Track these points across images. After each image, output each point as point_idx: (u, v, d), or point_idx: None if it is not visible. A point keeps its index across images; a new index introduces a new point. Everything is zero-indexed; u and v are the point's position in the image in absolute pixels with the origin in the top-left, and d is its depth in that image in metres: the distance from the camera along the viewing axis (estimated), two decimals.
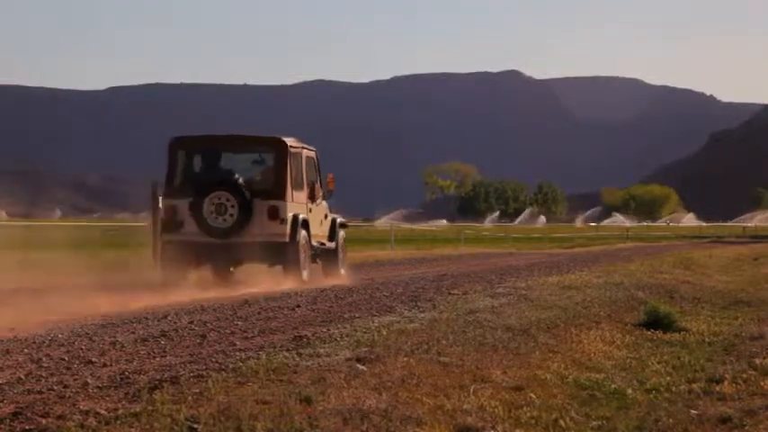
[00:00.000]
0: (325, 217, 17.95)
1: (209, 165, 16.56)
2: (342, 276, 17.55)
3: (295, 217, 16.10)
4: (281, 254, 15.89)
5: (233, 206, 15.71)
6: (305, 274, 16.15)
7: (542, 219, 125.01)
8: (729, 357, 9.66)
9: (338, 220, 18.53)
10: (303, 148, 17.10)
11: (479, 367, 7.75)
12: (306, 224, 16.48)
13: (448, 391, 6.85)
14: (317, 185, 17.47)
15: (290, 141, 16.63)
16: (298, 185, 16.53)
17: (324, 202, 17.96)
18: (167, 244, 16.06)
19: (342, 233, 18.60)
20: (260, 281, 15.53)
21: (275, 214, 15.87)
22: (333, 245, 17.93)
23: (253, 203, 15.81)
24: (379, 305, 11.46)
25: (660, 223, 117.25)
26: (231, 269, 16.71)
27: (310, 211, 16.96)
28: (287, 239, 15.88)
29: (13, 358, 7.58)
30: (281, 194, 15.97)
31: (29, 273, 16.45)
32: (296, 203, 16.32)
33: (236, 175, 16.11)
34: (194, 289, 14.70)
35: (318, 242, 17.20)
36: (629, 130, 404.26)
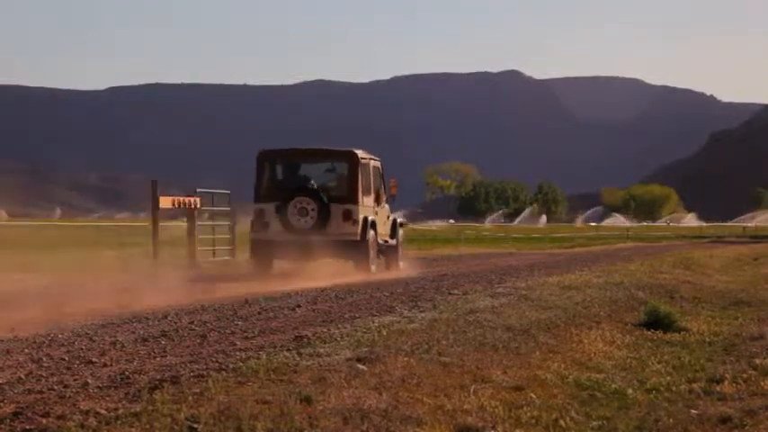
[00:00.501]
0: (388, 218, 20.62)
1: (290, 173, 19.33)
2: (401, 269, 20.09)
3: (365, 219, 18.82)
4: (354, 250, 18.46)
5: (313, 209, 18.34)
6: (373, 267, 18.84)
7: (543, 218, 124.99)
8: (730, 357, 9.66)
9: (398, 220, 21.40)
10: (371, 158, 19.83)
11: (480, 367, 7.75)
12: (373, 225, 19.17)
13: (448, 391, 6.85)
14: (382, 191, 20.17)
15: (360, 153, 19.29)
16: (366, 191, 19.18)
17: (386, 205, 20.58)
18: (256, 240, 18.75)
19: (401, 232, 21.34)
20: (332, 273, 17.36)
21: (349, 216, 18.58)
22: (394, 242, 20.67)
23: (330, 207, 18.45)
24: (380, 305, 11.47)
25: (660, 223, 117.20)
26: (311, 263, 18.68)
27: (376, 213, 19.63)
28: (358, 238, 18.56)
29: (13, 358, 7.58)
30: (353, 199, 18.70)
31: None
32: (365, 207, 18.99)
33: (313, 183, 18.89)
34: (278, 279, 16.64)
35: (383, 240, 19.86)
36: (629, 130, 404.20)
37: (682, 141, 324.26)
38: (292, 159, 19.98)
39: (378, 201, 19.90)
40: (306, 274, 17.64)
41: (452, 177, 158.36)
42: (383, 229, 20.04)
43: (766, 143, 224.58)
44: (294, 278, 16.83)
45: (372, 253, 19.01)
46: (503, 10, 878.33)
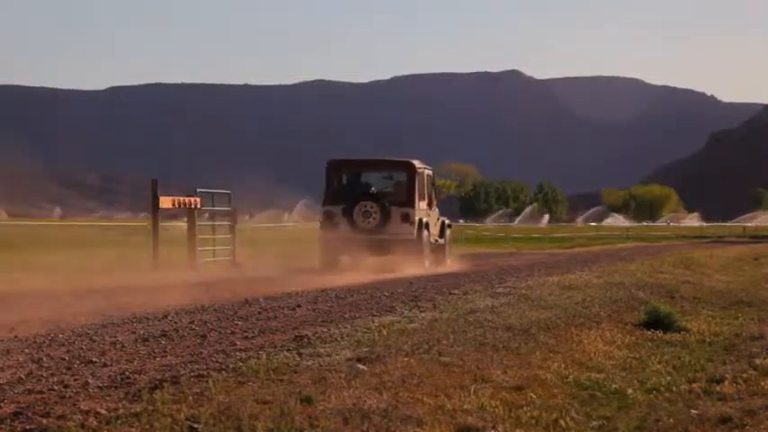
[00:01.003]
0: (437, 220, 22.99)
1: (354, 180, 21.98)
2: (449, 265, 22.41)
3: (420, 220, 21.25)
4: (410, 248, 20.77)
5: (376, 212, 20.87)
6: (426, 263, 21.02)
7: (546, 217, 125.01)
8: (730, 357, 9.66)
9: (446, 222, 23.86)
10: (424, 168, 22.28)
11: (480, 367, 7.75)
12: (427, 225, 21.58)
13: (448, 391, 6.85)
14: (433, 196, 22.64)
15: (416, 163, 21.82)
16: (421, 196, 21.60)
17: (436, 209, 22.91)
18: (326, 238, 21.02)
19: (448, 232, 23.70)
20: (392, 268, 19.80)
21: (406, 218, 21.05)
22: (442, 241, 23.03)
23: (390, 210, 20.93)
24: (380, 305, 11.47)
25: (660, 223, 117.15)
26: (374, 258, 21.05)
27: (428, 215, 22.00)
28: (414, 237, 21.00)
29: (13, 358, 7.58)
30: (410, 203, 21.15)
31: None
32: (420, 210, 21.39)
33: (373, 189, 21.56)
34: (344, 273, 18.96)
35: (434, 239, 22.25)
36: (629, 130, 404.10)
37: (682, 141, 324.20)
38: (356, 168, 22.85)
39: (430, 205, 22.26)
40: (367, 268, 20.03)
41: (452, 177, 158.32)
42: (434, 229, 22.45)
43: (766, 143, 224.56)
44: (358, 272, 19.12)
45: (426, 250, 21.41)
46: (503, 10, 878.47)
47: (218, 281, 16.93)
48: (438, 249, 22.49)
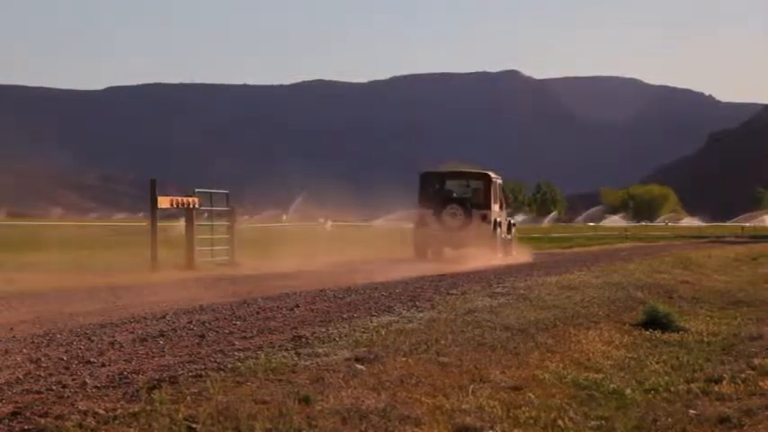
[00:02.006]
0: (506, 220, 27.53)
1: (441, 188, 26.62)
2: (515, 256, 26.55)
3: (495, 220, 25.93)
4: (487, 242, 25.20)
5: (460, 214, 25.44)
6: (499, 254, 25.40)
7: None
8: (728, 357, 9.66)
9: (512, 221, 28.59)
10: (497, 178, 26.91)
11: (478, 367, 7.75)
12: (499, 224, 26.34)
13: (446, 391, 6.85)
14: (503, 200, 27.39)
15: (492, 175, 26.60)
16: (495, 201, 26.25)
17: (505, 211, 27.56)
18: (420, 234, 25.55)
19: (513, 230, 28.47)
20: (471, 258, 23.46)
21: (484, 218, 25.66)
22: (510, 237, 27.72)
23: (472, 212, 25.49)
24: (378, 305, 11.46)
25: (659, 223, 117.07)
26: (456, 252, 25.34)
27: (500, 216, 26.65)
28: (491, 234, 25.53)
29: (12, 358, 7.58)
30: (487, 207, 25.86)
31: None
32: (494, 212, 26.04)
33: (455, 194, 26.24)
34: (432, 263, 22.60)
35: (504, 235, 26.81)
36: (628, 130, 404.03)
37: (682, 141, 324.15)
38: (443, 178, 27.33)
39: (501, 208, 26.96)
40: (452, 259, 24.13)
41: None
42: (504, 228, 27.01)
43: (766, 143, 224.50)
44: (443, 263, 22.91)
45: (499, 244, 25.97)
46: (502, 10, 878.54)
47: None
48: (507, 243, 27.11)
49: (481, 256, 23.91)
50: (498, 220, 26.20)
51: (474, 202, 25.79)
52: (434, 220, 25.41)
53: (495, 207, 26.11)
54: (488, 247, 24.96)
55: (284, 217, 64.41)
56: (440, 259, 24.73)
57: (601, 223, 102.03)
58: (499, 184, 26.94)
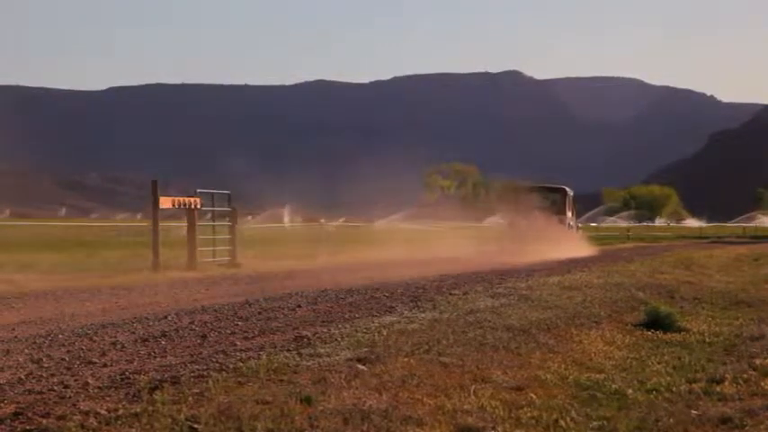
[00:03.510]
0: (575, 223, 35.40)
1: (527, 198, 33.52)
2: (583, 250, 30.58)
3: (569, 223, 33.79)
4: (564, 240, 30.48)
5: (544, 218, 31.86)
6: (572, 249, 29.13)
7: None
8: (730, 358, 9.65)
9: (578, 224, 36.66)
10: (570, 191, 34.99)
11: (480, 367, 7.75)
12: (572, 227, 34.30)
13: (448, 392, 6.85)
14: (573, 208, 35.44)
15: (567, 189, 35.05)
16: (569, 209, 34.36)
17: (575, 216, 35.58)
18: (512, 235, 31.20)
19: (580, 231, 36.53)
20: (551, 253, 26.81)
21: (562, 222, 33.32)
22: (579, 236, 34.99)
23: (553, 217, 32.50)
24: (380, 305, 11.46)
25: (658, 224, 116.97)
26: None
27: (572, 220, 34.72)
28: (567, 233, 32.44)
29: (13, 358, 7.58)
30: (564, 213, 33.80)
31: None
32: (568, 217, 33.96)
33: (540, 204, 33.31)
34: (522, 257, 25.54)
35: (575, 235, 34.11)
36: (629, 130, 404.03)
37: (682, 141, 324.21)
38: (529, 191, 35.11)
39: (572, 214, 35.04)
40: (536, 253, 26.87)
41: (452, 177, 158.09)
42: (575, 229, 34.99)
43: (766, 143, 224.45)
44: (531, 255, 26.00)
45: (573, 242, 31.57)
46: (503, 10, 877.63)
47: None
48: (577, 241, 33.25)
49: (558, 250, 28.04)
50: (571, 223, 34.68)
51: (553, 210, 33.45)
52: (524, 223, 32.21)
53: (569, 213, 34.49)
54: (564, 244, 29.80)
55: (286, 219, 64.42)
56: (525, 253, 27.49)
57: (602, 224, 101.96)
58: (571, 196, 35.14)
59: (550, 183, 38.01)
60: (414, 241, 34.07)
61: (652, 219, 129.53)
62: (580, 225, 38.41)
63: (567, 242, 30.74)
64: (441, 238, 37.59)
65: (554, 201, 34.08)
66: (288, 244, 31.99)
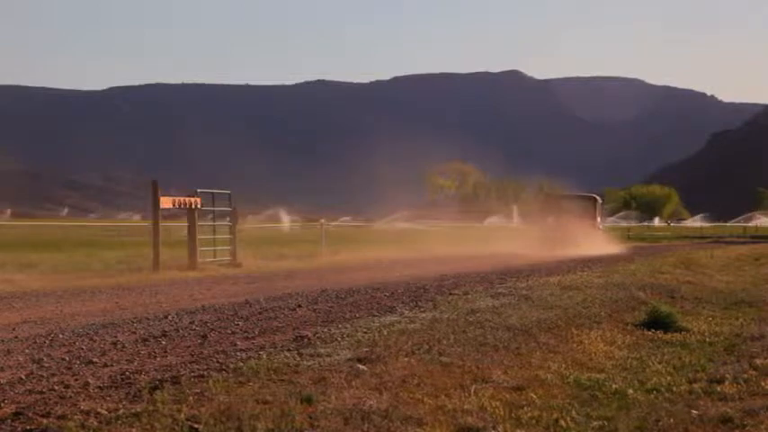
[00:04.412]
0: (602, 226, 40.67)
1: (559, 205, 39.05)
2: (609, 250, 34.32)
3: (598, 227, 38.45)
4: (594, 241, 34.92)
5: (575, 222, 36.12)
6: (601, 249, 33.26)
7: None
8: (730, 357, 9.65)
9: (602, 226, 42.07)
10: (598, 198, 40.79)
11: (480, 367, 7.75)
12: (600, 229, 39.07)
13: (449, 392, 6.84)
14: (601, 212, 40.80)
15: (596, 197, 40.76)
16: (597, 214, 39.38)
17: (602, 220, 41.28)
18: (547, 236, 35.30)
19: (605, 234, 40.58)
20: (582, 251, 31.21)
21: (593, 226, 37.71)
22: (605, 237, 39.10)
23: (583, 222, 36.65)
24: (380, 305, 11.46)
25: (658, 224, 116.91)
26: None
27: (600, 224, 40.03)
28: (595, 235, 36.73)
29: (14, 358, 7.58)
30: (594, 218, 38.48)
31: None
32: (597, 221, 38.90)
33: (573, 210, 37.51)
34: (563, 253, 29.89)
35: (602, 236, 38.21)
36: (629, 130, 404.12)
37: (682, 141, 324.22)
38: (561, 199, 40.88)
39: (600, 218, 40.35)
40: (575, 249, 31.89)
41: (453, 177, 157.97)
42: (602, 231, 39.59)
43: (766, 143, 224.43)
44: (564, 251, 30.38)
45: (602, 243, 35.74)
46: (503, 10, 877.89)
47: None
48: (606, 241, 37.14)
49: (591, 248, 32.74)
50: (600, 226, 40.01)
51: (584, 215, 37.96)
52: (558, 226, 36.65)
53: (597, 218, 39.65)
54: (594, 244, 34.57)
55: (284, 220, 64.45)
56: (565, 249, 32.10)
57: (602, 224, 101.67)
58: (599, 203, 41.09)
59: (581, 191, 46.02)
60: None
61: (651, 219, 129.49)
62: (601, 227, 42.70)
63: (598, 241, 35.99)
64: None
65: (586, 207, 39.14)
66: (289, 244, 32.00)
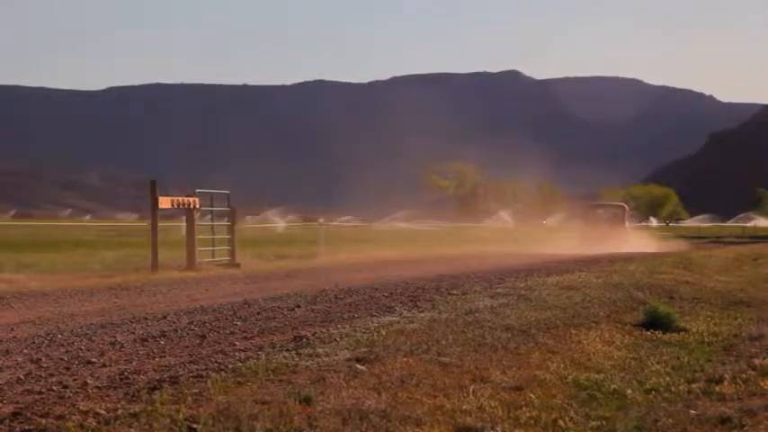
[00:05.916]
0: (631, 228, 49.98)
1: (594, 210, 46.90)
2: (636, 246, 38.37)
3: (627, 229, 45.16)
4: (624, 239, 40.72)
5: (609, 225, 42.93)
6: (631, 247, 37.58)
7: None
8: (729, 357, 9.65)
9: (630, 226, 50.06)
10: (626, 205, 52.07)
11: (479, 367, 7.75)
12: (628, 230, 45.78)
13: (447, 392, 6.85)
14: (629, 218, 51.74)
15: (624, 204, 52.23)
16: (627, 218, 47.34)
17: (630, 223, 51.18)
18: (584, 236, 40.97)
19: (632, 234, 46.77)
20: (613, 248, 34.91)
21: (623, 227, 43.82)
22: (632, 237, 44.33)
23: (615, 224, 43.31)
24: (379, 305, 11.46)
25: (655, 224, 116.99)
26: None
27: (629, 226, 48.01)
28: (626, 234, 43.00)
29: (12, 358, 7.58)
30: (623, 221, 44.93)
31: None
32: (627, 224, 45.92)
33: (606, 215, 45.66)
34: (599, 251, 32.29)
35: (631, 236, 44.25)
36: (629, 130, 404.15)
37: (682, 141, 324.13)
38: (596, 206, 48.68)
39: (629, 222, 47.92)
40: (609, 247, 35.08)
41: (452, 177, 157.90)
42: (631, 232, 45.68)
43: (766, 143, 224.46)
44: (597, 248, 33.42)
45: (632, 242, 40.66)
46: (503, 10, 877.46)
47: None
48: (633, 241, 41.87)
49: (622, 247, 36.83)
50: (628, 228, 45.85)
51: (615, 219, 44.20)
52: (594, 228, 42.37)
53: (627, 221, 46.14)
54: (624, 242, 39.68)
55: (277, 218, 64.48)
56: (601, 248, 34.99)
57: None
58: (627, 210, 48.65)
59: (612, 202, 57.95)
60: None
61: (647, 219, 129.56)
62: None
63: (627, 241, 41.03)
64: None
65: (616, 213, 46.04)
66: (288, 244, 32.01)
